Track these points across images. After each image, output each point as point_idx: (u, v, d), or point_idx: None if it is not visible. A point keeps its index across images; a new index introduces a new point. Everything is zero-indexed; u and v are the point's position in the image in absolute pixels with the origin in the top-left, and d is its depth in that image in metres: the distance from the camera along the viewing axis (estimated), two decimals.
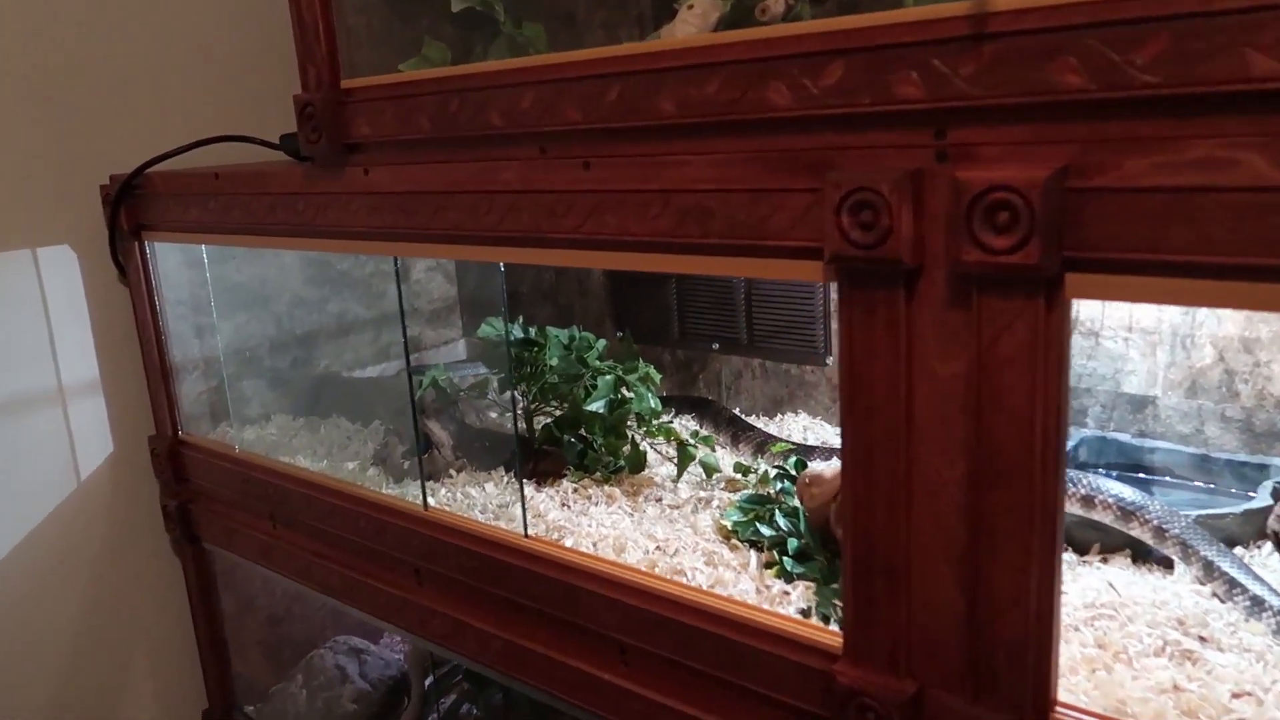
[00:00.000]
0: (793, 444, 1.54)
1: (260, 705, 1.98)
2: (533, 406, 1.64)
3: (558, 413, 1.61)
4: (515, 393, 1.62)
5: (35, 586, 1.71)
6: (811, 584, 1.15)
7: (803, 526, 1.23)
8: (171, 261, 1.76)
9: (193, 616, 1.92)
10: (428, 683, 1.91)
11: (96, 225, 1.73)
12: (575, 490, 1.48)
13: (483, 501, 1.47)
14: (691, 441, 1.44)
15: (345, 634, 2.10)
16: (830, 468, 1.28)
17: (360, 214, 1.24)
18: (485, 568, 1.25)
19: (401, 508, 1.37)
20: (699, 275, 1.87)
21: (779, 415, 1.81)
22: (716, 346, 1.88)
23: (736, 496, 1.40)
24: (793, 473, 1.38)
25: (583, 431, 1.55)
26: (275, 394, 2.00)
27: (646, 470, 1.51)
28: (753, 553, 1.24)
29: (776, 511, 1.26)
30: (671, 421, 1.70)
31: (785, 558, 1.19)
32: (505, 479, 1.55)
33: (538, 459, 1.60)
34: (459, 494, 1.50)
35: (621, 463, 1.51)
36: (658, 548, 1.28)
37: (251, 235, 1.42)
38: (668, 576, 1.18)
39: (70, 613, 1.77)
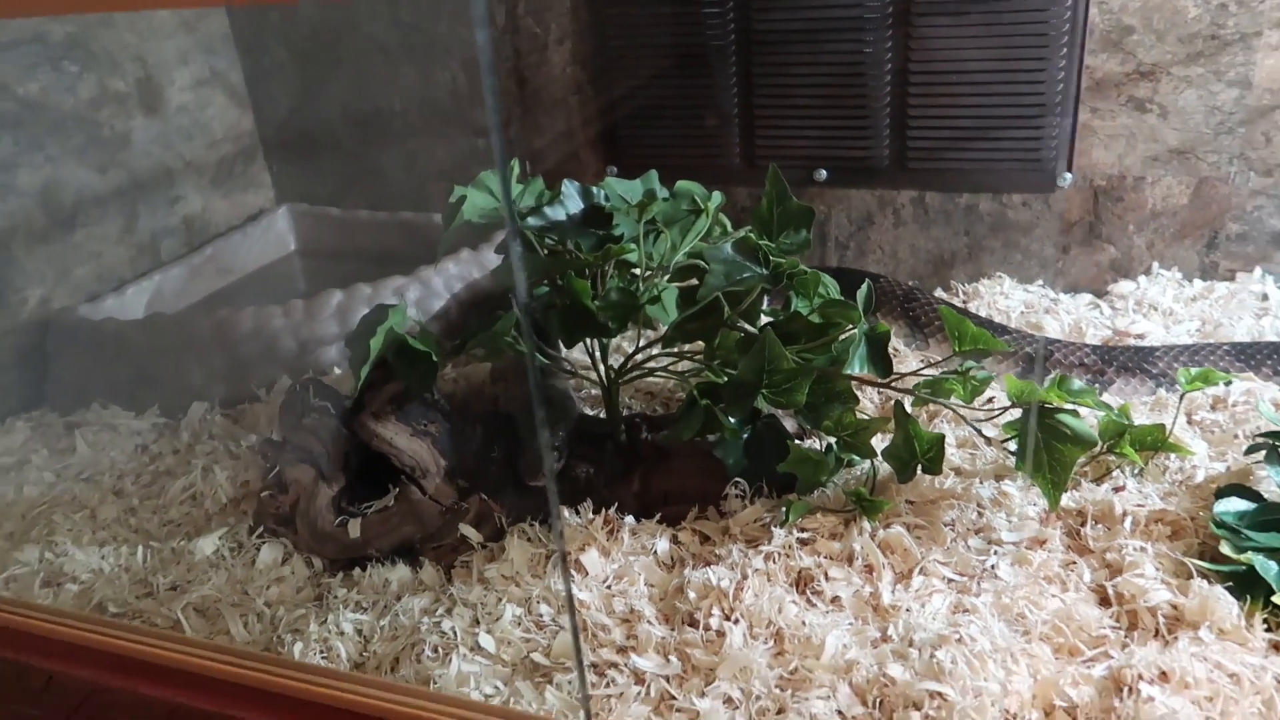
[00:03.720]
0: (1228, 376, 0.79)
1: None
2: (621, 366, 0.76)
3: (680, 362, 0.75)
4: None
5: None
6: None
7: None
8: None
9: None
10: None
11: None
12: (803, 541, 0.67)
13: (611, 611, 0.62)
14: (1070, 401, 0.65)
15: None
16: None
17: None
18: None
19: None
20: (788, 50, 1.02)
21: (955, 284, 1.06)
22: (823, 175, 1.06)
23: (1176, 496, 0.66)
24: None
25: (760, 404, 0.71)
26: None
27: (934, 475, 0.71)
28: None
29: None
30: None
31: None
32: (616, 528, 0.69)
33: (647, 469, 0.74)
34: (546, 610, 0.63)
35: (865, 463, 0.71)
36: (1194, 703, 0.52)
37: None
38: None
39: None
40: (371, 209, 1.27)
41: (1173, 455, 0.73)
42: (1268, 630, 0.57)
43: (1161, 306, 0.95)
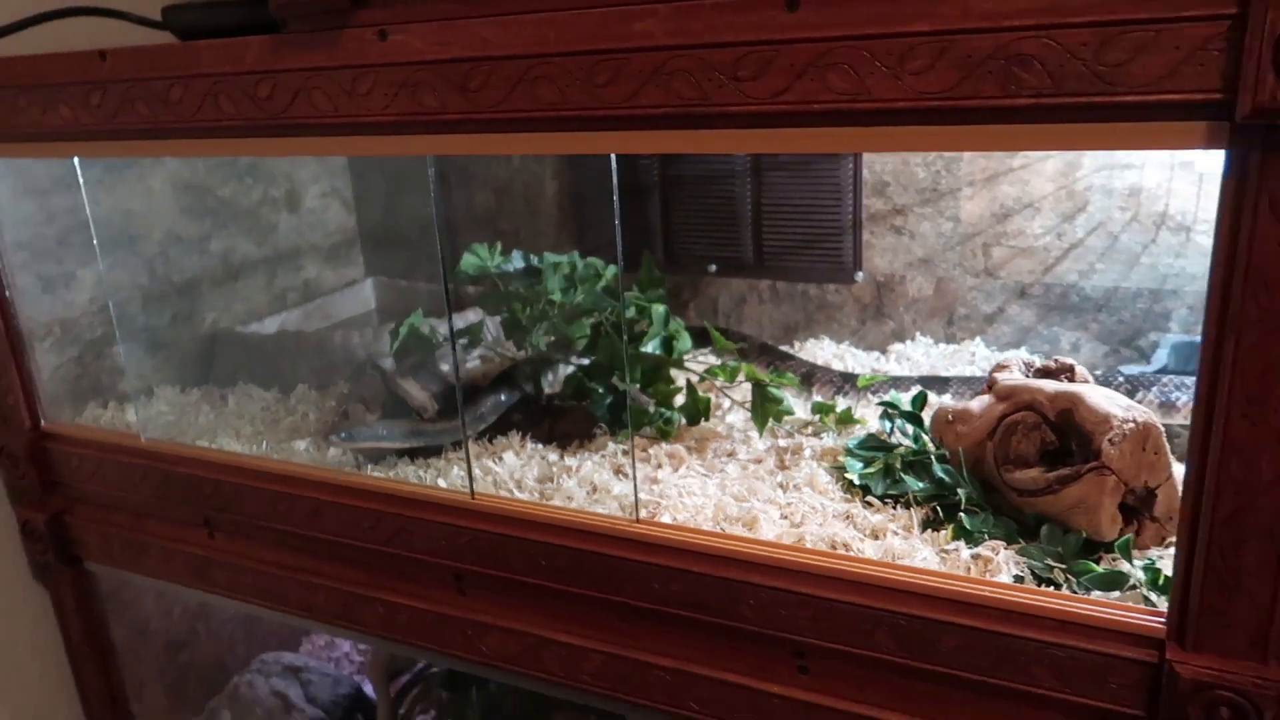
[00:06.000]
0: (885, 377, 1.31)
1: None
2: (535, 354, 1.32)
3: (577, 360, 1.30)
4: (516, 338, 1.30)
5: None
6: (997, 543, 0.94)
7: (966, 475, 1.01)
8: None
9: (70, 656, 1.47)
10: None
11: None
12: (625, 452, 1.19)
13: (511, 477, 1.15)
14: (769, 381, 1.19)
15: (267, 650, 1.70)
16: (978, 401, 1.07)
17: (377, 97, 0.87)
18: (579, 567, 0.96)
19: (438, 499, 1.03)
20: (692, 188, 1.59)
21: (795, 342, 1.59)
22: (714, 268, 1.62)
23: (841, 442, 1.16)
24: (902, 409, 1.16)
25: (614, 381, 1.25)
26: (155, 360, 1.54)
27: (705, 421, 1.24)
28: (902, 511, 1.01)
29: (933, 460, 1.03)
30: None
31: (963, 514, 0.97)
32: (525, 446, 1.23)
33: (553, 418, 1.28)
34: (476, 470, 1.17)
35: (673, 414, 1.23)
36: (783, 516, 1.02)
37: (173, 139, 1.00)
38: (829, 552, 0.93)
39: None
40: (426, 281, 1.87)
41: (857, 426, 1.23)
42: (843, 491, 1.07)
43: (914, 359, 1.46)
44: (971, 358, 1.43)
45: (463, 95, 0.83)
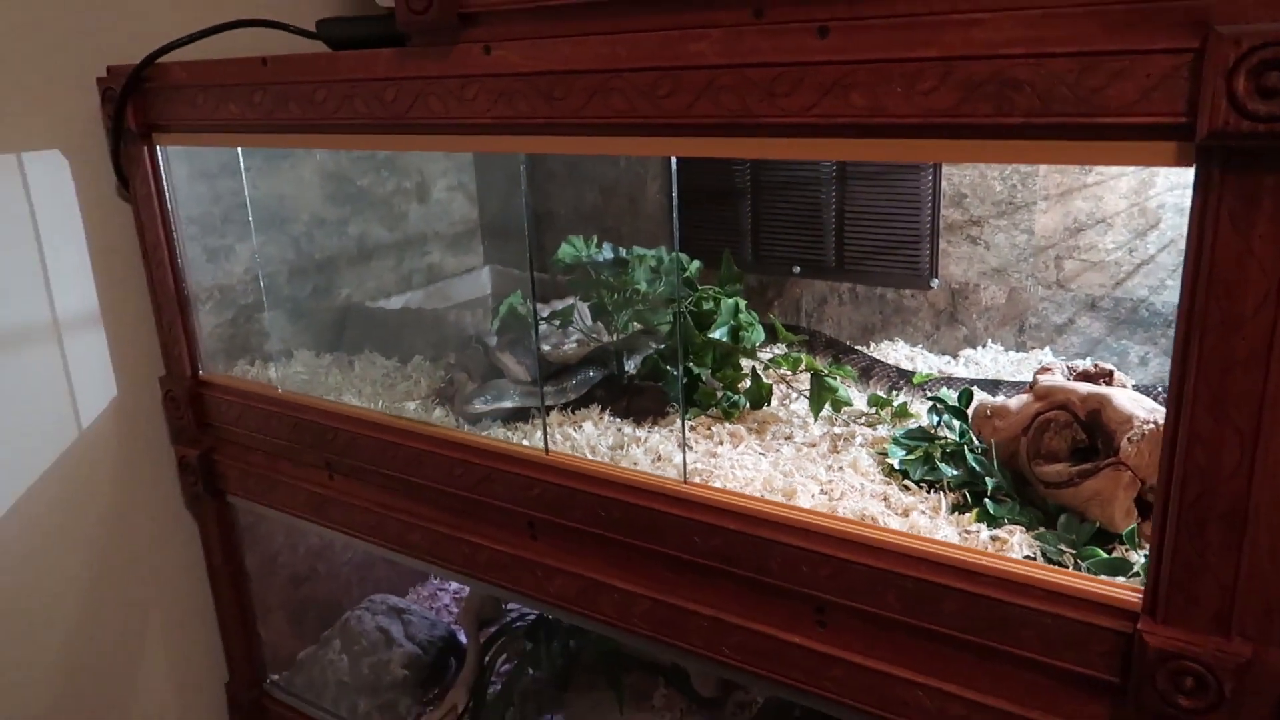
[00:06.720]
0: (940, 375, 1.39)
1: (288, 674, 1.78)
2: (620, 338, 1.45)
3: (657, 344, 1.43)
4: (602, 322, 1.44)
5: (33, 552, 1.47)
6: (1016, 528, 1.01)
7: (996, 465, 1.09)
8: (175, 174, 1.50)
9: (211, 579, 1.69)
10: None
11: (89, 126, 1.45)
12: (692, 429, 1.31)
13: (587, 444, 1.29)
14: (828, 371, 1.28)
15: (377, 593, 1.90)
16: (1016, 400, 1.15)
17: (481, 102, 1.02)
18: (632, 520, 1.08)
19: (517, 453, 1.18)
20: (779, 193, 1.69)
21: (871, 344, 1.66)
22: (798, 270, 1.72)
23: (892, 432, 1.25)
24: (951, 405, 1.23)
25: (689, 364, 1.37)
26: (296, 327, 1.76)
27: (767, 406, 1.35)
28: (936, 495, 1.10)
29: (966, 449, 1.11)
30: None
31: (988, 500, 1.05)
32: (603, 418, 1.37)
33: (631, 396, 1.42)
34: (557, 436, 1.32)
35: (738, 398, 1.34)
36: (823, 491, 1.12)
37: (317, 134, 1.18)
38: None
39: (72, 578, 1.53)
40: (536, 270, 2.03)
41: (910, 420, 1.31)
42: (884, 475, 1.15)
43: (983, 364, 1.52)
44: (1040, 364, 1.48)
45: (549, 103, 0.97)
